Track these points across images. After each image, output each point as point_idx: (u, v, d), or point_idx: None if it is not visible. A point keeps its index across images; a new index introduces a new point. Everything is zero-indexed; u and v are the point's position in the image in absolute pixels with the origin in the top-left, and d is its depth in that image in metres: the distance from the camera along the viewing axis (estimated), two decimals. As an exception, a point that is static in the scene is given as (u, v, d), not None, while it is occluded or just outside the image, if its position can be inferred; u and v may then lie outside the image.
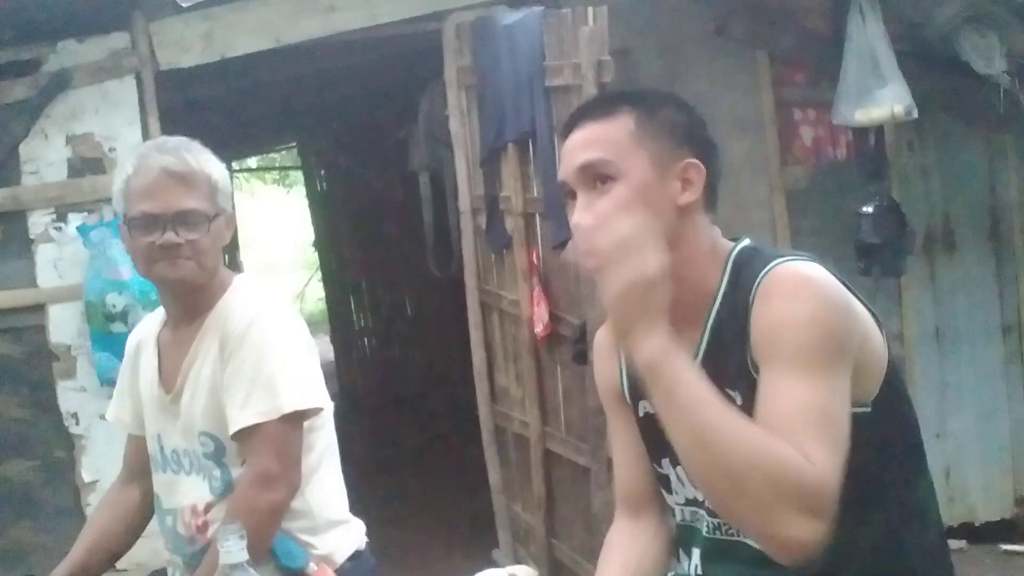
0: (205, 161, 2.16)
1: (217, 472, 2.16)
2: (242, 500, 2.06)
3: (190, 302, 2.19)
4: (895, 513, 1.64)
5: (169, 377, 2.21)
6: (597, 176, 1.64)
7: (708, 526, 1.70)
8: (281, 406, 2.06)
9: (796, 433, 1.45)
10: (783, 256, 1.62)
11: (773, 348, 1.54)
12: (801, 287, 1.55)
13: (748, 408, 1.55)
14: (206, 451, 2.15)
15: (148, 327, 2.32)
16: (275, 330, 2.12)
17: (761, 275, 1.59)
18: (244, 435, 2.08)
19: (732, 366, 1.60)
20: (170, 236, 2.10)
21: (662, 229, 1.58)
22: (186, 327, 2.19)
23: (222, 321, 2.13)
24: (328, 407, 2.25)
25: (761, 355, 1.56)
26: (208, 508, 2.16)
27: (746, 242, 1.69)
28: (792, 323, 1.53)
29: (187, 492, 2.20)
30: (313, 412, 2.14)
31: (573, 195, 1.68)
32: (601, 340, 1.87)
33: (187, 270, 2.13)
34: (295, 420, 2.09)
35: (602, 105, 1.72)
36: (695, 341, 1.65)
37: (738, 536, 1.65)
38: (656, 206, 1.61)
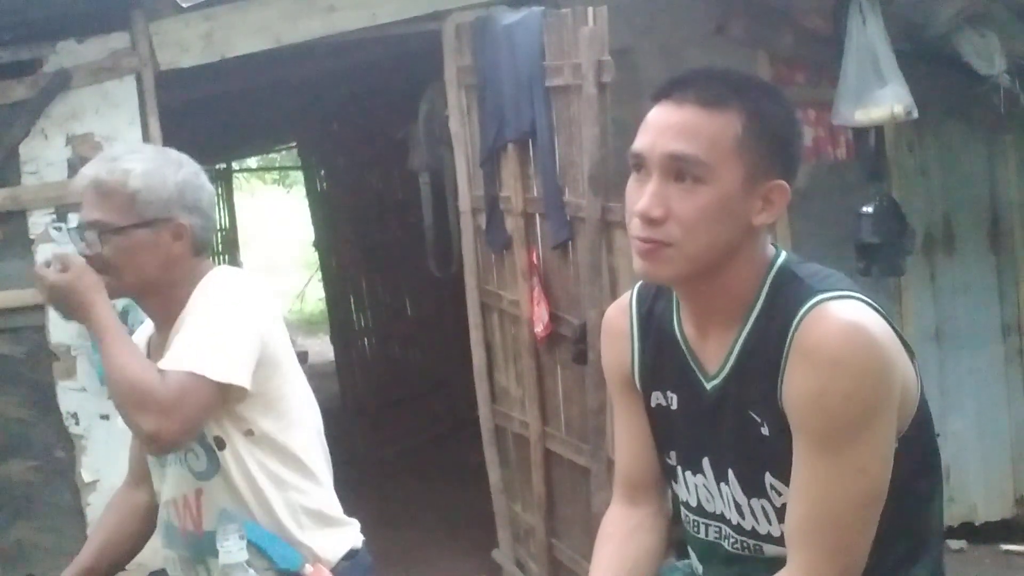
0: (126, 172, 2.10)
1: (200, 453, 2.15)
2: (129, 396, 1.98)
3: (154, 306, 2.19)
4: (910, 540, 1.63)
5: None
6: (684, 171, 1.53)
7: (739, 545, 1.67)
8: (187, 362, 2.00)
9: (811, 547, 1.52)
10: (825, 291, 1.53)
11: (805, 422, 1.51)
12: (841, 354, 1.47)
13: (775, 439, 1.55)
14: None
15: (144, 331, 2.32)
16: (217, 297, 2.08)
17: (800, 314, 1.52)
18: None
19: (758, 394, 1.57)
20: (82, 247, 2.12)
21: (725, 241, 1.55)
22: (168, 328, 2.18)
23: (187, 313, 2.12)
24: (297, 409, 2.20)
25: (793, 421, 1.53)
26: (199, 495, 2.16)
27: (784, 258, 1.62)
28: (827, 403, 1.48)
29: (175, 484, 2.20)
30: (226, 387, 2.04)
31: (641, 168, 1.57)
32: (611, 323, 1.80)
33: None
34: (205, 384, 2.00)
35: (715, 91, 1.55)
36: (723, 354, 1.61)
37: (760, 554, 1.64)
38: (730, 219, 1.54)
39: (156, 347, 2.22)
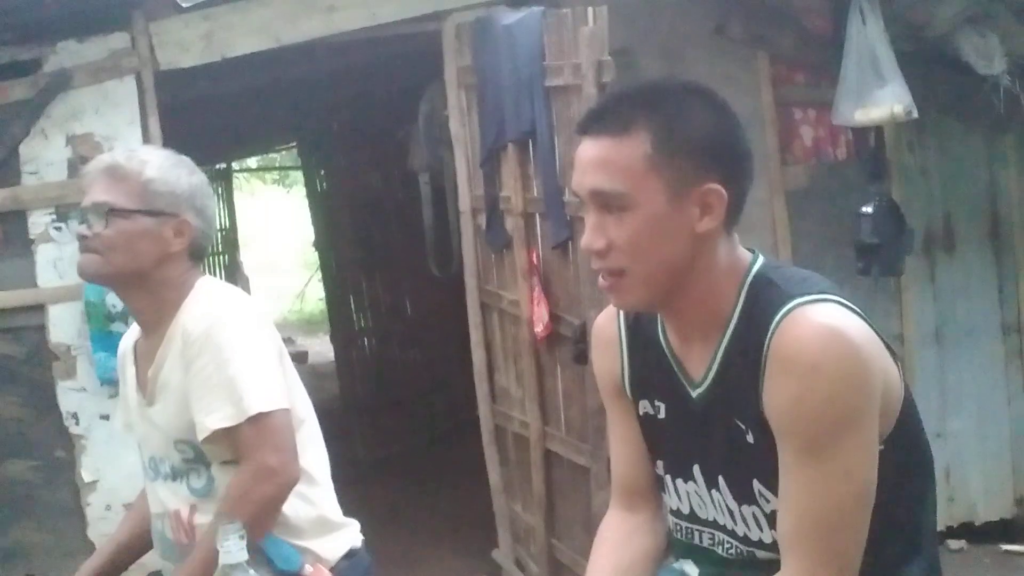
0: (144, 161, 2.15)
1: (199, 475, 2.16)
2: (236, 490, 2.06)
3: (141, 303, 2.19)
4: (903, 540, 1.63)
5: (144, 385, 2.21)
6: (607, 203, 1.55)
7: (734, 551, 1.66)
8: (246, 409, 2.04)
9: (804, 553, 1.51)
10: (800, 295, 1.53)
11: (788, 429, 1.51)
12: (818, 359, 1.47)
13: (760, 446, 1.55)
14: (186, 457, 2.15)
15: (130, 336, 2.32)
16: (233, 333, 2.09)
17: (777, 319, 1.51)
18: (215, 439, 2.08)
19: (741, 401, 1.56)
20: (82, 228, 2.15)
21: (676, 256, 1.55)
22: (154, 334, 2.18)
23: (181, 326, 2.13)
24: (302, 409, 2.22)
25: (776, 428, 1.53)
26: (193, 511, 2.17)
27: (760, 264, 1.61)
28: (807, 408, 1.48)
29: (168, 498, 2.20)
30: (283, 412, 2.12)
31: (583, 203, 1.61)
32: (601, 331, 1.80)
33: (87, 263, 2.15)
34: (274, 417, 2.08)
35: (617, 117, 1.56)
36: (706, 362, 1.61)
37: (753, 559, 1.64)
38: (670, 234, 1.54)
39: (143, 354, 2.23)
